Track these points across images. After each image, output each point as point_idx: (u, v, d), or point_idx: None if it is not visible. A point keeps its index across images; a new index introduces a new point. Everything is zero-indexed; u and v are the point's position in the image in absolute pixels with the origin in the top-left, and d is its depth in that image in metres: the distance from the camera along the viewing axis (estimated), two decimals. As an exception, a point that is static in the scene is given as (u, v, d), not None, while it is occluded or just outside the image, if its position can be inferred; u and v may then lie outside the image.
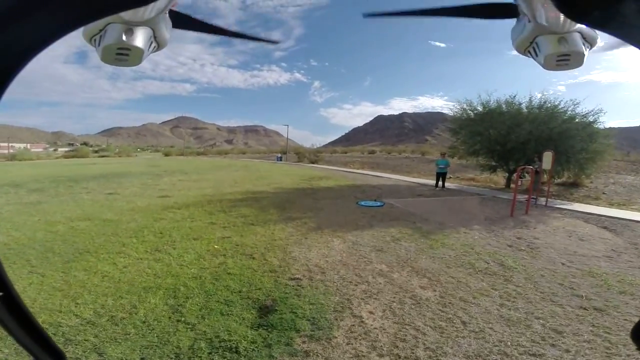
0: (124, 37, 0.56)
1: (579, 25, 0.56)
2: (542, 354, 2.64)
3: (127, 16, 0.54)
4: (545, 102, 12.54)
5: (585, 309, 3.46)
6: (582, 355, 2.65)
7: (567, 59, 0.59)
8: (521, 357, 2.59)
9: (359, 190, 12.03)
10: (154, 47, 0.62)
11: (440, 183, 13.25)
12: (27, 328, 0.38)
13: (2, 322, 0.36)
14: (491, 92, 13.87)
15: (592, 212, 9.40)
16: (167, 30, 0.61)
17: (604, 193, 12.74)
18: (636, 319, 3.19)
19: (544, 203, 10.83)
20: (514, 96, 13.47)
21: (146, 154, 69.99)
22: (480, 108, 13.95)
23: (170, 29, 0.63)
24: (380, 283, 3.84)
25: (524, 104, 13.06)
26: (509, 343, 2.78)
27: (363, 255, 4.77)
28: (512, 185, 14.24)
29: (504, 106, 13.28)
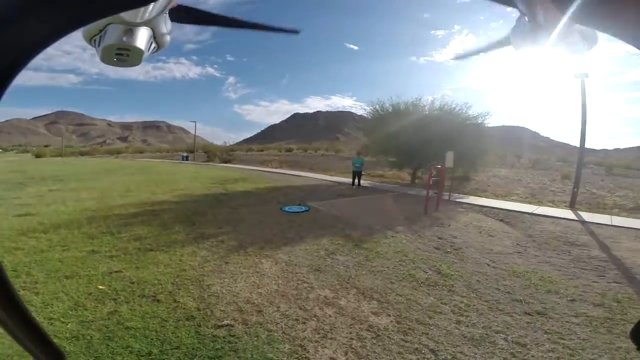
0: (124, 38, 0.55)
1: (578, 25, 0.54)
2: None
3: (127, 16, 0.53)
4: (445, 105, 13.91)
5: (530, 314, 3.47)
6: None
7: (566, 59, 0.58)
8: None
9: (280, 193, 11.29)
10: (154, 47, 0.61)
11: (356, 181, 13.50)
12: (27, 328, 0.37)
13: (2, 322, 0.34)
14: (400, 95, 14.78)
15: (486, 204, 10.66)
16: (166, 30, 0.61)
17: (488, 185, 14.79)
18: (580, 321, 3.29)
19: (447, 198, 11.95)
20: (420, 99, 14.61)
21: (10, 156, 55.17)
22: (390, 109, 14.71)
23: (170, 29, 0.61)
24: (330, 315, 3.22)
25: (427, 106, 14.26)
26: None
27: (301, 279, 4.07)
28: (417, 181, 15.49)
29: (411, 108, 14.25)
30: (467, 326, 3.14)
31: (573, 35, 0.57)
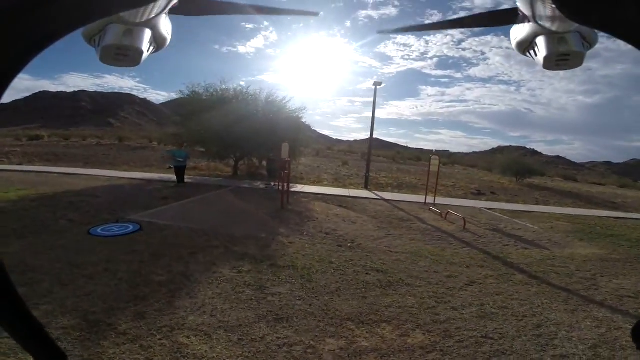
0: (123, 38, 0.53)
1: (578, 25, 0.52)
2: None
3: (127, 16, 0.51)
4: (270, 96, 13.29)
5: (470, 285, 4.00)
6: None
7: (567, 59, 0.56)
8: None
9: (63, 204, 6.98)
10: (154, 47, 0.58)
11: (179, 178, 10.75)
12: (28, 328, 0.35)
13: (4, 322, 0.33)
14: (227, 81, 12.85)
15: (315, 192, 11.20)
16: (166, 31, 0.58)
17: (301, 173, 15.81)
18: (495, 281, 3.99)
19: (279, 188, 11.69)
20: (248, 87, 13.32)
21: None
22: (215, 96, 12.55)
23: (169, 30, 0.59)
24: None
25: (253, 96, 13.15)
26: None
27: (279, 342, 2.37)
28: (238, 172, 14.34)
29: (238, 96, 12.72)
30: (459, 308, 3.37)
31: (573, 35, 0.55)
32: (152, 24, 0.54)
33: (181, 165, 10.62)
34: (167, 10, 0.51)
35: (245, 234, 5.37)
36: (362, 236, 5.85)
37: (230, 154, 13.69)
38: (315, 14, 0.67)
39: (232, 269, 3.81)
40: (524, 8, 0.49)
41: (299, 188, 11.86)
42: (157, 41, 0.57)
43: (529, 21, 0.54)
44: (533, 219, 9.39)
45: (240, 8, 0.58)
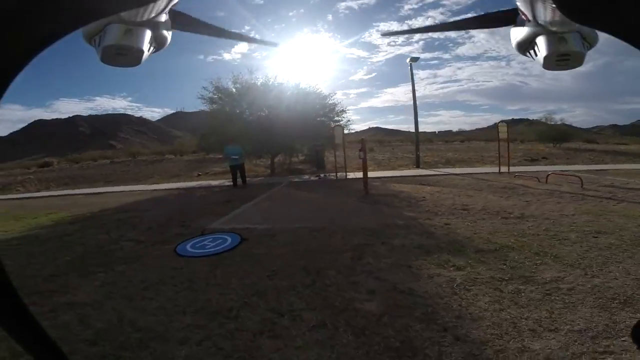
0: (123, 38, 0.50)
1: (578, 25, 0.50)
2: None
3: (127, 16, 0.49)
4: (303, 87, 11.80)
5: None
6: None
7: (567, 59, 0.54)
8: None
9: (112, 222, 5.43)
10: (154, 47, 0.56)
11: (236, 179, 9.24)
12: (27, 328, 0.33)
13: (3, 322, 0.31)
14: (255, 70, 11.36)
15: (377, 176, 9.87)
16: (167, 30, 0.55)
17: (337, 162, 14.34)
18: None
19: (334, 177, 10.41)
20: (275, 77, 11.83)
21: None
22: (255, 88, 11.08)
23: (170, 30, 0.56)
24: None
25: (291, 87, 11.68)
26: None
27: None
28: (274, 170, 12.92)
29: (274, 89, 11.24)
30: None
31: (573, 35, 0.52)
32: (152, 24, 0.51)
33: (237, 163, 9.05)
34: (167, 10, 0.48)
35: (380, 223, 3.95)
36: (505, 207, 4.64)
37: (266, 151, 12.22)
38: (275, 45, 0.75)
39: (442, 267, 2.46)
40: (524, 8, 0.47)
41: (352, 175, 10.52)
42: (158, 41, 0.54)
43: (529, 21, 0.51)
44: (621, 176, 8.15)
45: (218, 31, 0.61)
